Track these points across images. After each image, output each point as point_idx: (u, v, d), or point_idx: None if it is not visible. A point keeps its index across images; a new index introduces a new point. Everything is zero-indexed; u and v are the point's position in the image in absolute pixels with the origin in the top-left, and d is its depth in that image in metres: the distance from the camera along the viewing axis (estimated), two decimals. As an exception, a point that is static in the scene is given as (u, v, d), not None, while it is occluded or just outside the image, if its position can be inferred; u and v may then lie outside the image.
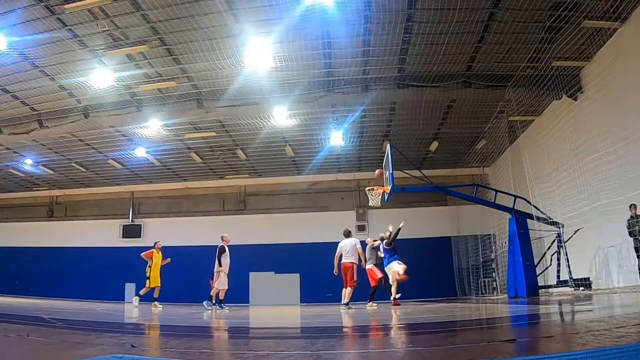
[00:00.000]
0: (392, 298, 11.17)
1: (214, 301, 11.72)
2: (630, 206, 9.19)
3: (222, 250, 11.96)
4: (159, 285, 13.04)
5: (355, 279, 11.23)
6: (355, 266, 11.28)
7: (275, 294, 17.74)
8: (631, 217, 9.26)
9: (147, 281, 13.02)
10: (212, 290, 11.97)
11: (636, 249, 9.13)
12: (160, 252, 13.44)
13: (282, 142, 16.42)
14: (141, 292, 13.21)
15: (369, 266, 11.75)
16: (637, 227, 9.13)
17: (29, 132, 14.08)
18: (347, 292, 11.18)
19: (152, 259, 13.18)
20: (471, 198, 12.80)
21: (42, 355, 2.60)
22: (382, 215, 18.82)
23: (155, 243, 13.65)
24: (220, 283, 11.74)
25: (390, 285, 11.40)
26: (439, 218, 19.04)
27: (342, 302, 11.13)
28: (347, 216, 19.86)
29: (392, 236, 11.55)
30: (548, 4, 9.35)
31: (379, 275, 11.67)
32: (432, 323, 5.20)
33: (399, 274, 11.11)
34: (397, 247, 11.67)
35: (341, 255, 11.48)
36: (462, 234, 18.40)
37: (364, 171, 19.57)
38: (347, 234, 11.74)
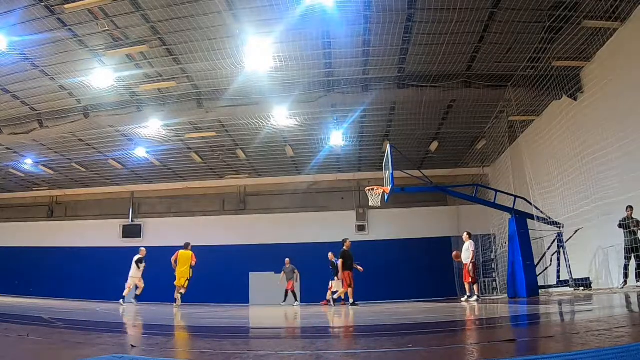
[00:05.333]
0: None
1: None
2: (627, 207, 9.24)
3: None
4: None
5: (472, 275, 12.72)
6: (469, 264, 12.76)
7: (275, 294, 17.67)
8: (626, 218, 9.31)
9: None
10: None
11: (628, 250, 9.31)
12: None
13: (282, 142, 16.41)
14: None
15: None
16: (631, 229, 9.25)
17: (29, 132, 14.09)
18: (475, 287, 12.84)
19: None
20: (471, 198, 12.81)
21: (42, 355, 2.59)
22: (382, 215, 18.85)
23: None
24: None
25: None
26: (439, 218, 19.03)
27: (467, 295, 12.66)
28: (347, 216, 19.89)
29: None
30: (548, 4, 9.35)
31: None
32: (432, 323, 5.19)
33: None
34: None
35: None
36: (462, 234, 18.34)
37: (364, 171, 19.57)
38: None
